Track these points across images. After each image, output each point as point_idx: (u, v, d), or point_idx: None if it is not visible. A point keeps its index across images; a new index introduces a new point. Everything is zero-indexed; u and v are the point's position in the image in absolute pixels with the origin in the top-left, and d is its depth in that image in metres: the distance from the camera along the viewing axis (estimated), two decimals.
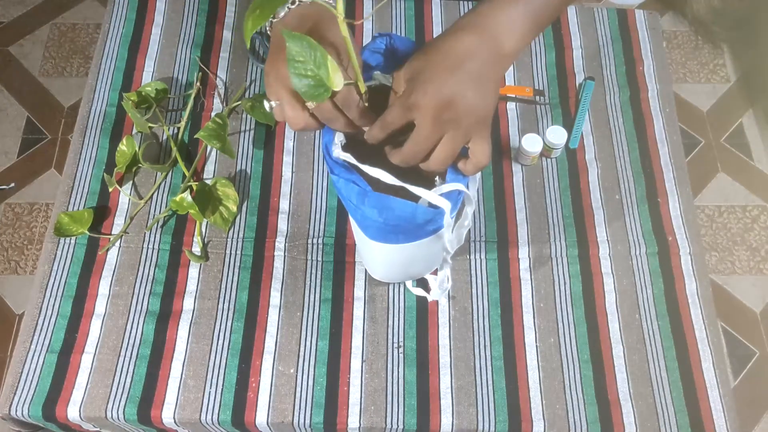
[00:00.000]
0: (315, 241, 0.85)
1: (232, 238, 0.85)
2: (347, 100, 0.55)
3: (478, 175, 0.62)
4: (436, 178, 0.62)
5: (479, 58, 0.52)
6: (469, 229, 0.85)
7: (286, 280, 0.82)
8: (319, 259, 0.84)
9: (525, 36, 0.54)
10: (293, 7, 0.56)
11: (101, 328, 0.80)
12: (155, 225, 0.86)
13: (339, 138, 0.58)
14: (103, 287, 0.82)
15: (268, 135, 0.92)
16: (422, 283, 0.82)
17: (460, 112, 0.52)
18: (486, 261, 0.84)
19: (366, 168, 0.57)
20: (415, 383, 0.77)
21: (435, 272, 0.80)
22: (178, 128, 0.92)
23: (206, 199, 0.84)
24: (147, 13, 1.02)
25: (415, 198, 0.58)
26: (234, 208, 0.85)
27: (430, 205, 0.58)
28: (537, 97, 0.95)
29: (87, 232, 0.84)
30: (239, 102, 0.93)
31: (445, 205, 0.57)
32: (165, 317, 0.80)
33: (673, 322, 0.81)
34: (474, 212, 0.86)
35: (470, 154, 0.57)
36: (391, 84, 0.59)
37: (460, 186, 0.58)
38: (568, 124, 0.93)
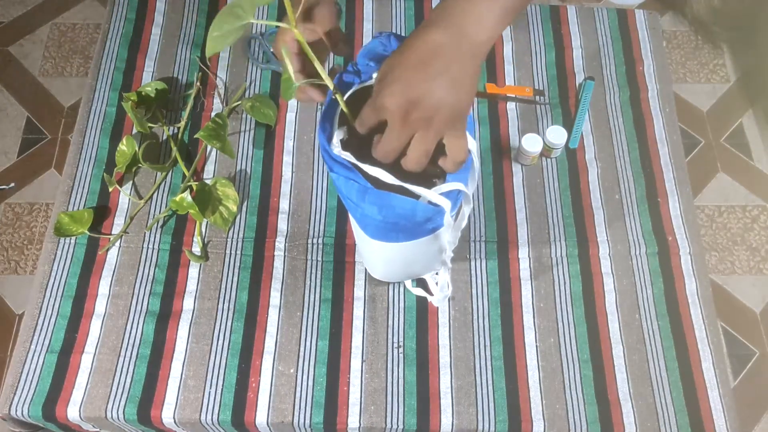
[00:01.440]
0: (315, 241, 0.85)
1: (232, 238, 0.85)
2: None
3: (477, 174, 0.62)
4: (435, 179, 0.62)
5: (448, 53, 0.52)
6: (469, 230, 0.85)
7: (286, 280, 0.82)
8: (319, 259, 0.84)
9: (496, 25, 0.53)
10: None
11: (101, 328, 0.80)
12: (155, 225, 0.86)
13: (338, 137, 0.58)
14: (103, 287, 0.82)
15: (268, 135, 0.92)
16: (422, 284, 0.82)
17: (429, 111, 0.52)
18: (486, 261, 0.84)
19: (366, 167, 0.57)
20: (415, 383, 0.77)
21: (437, 274, 0.80)
22: (178, 128, 0.92)
23: (206, 199, 0.84)
24: (147, 13, 1.02)
25: (415, 198, 0.58)
26: (234, 208, 0.85)
27: (430, 203, 0.58)
28: (537, 97, 0.95)
29: (87, 232, 0.84)
30: (239, 102, 0.93)
31: (446, 204, 0.57)
32: (165, 317, 0.80)
33: (673, 322, 0.81)
34: (474, 212, 0.86)
35: (447, 151, 0.56)
36: None
37: (459, 185, 0.58)
38: (568, 124, 0.93)
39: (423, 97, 0.51)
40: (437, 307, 0.81)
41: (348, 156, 0.57)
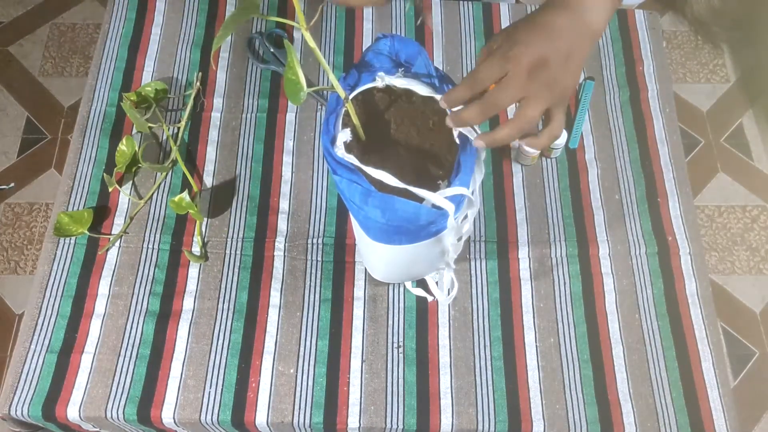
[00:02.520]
0: (315, 241, 0.85)
1: (232, 238, 0.85)
2: None
3: (480, 177, 0.62)
4: (439, 182, 0.62)
5: (571, 35, 0.56)
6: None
7: (286, 280, 0.82)
8: (319, 259, 0.84)
9: (609, 12, 0.58)
10: None
11: (101, 328, 0.80)
12: (155, 225, 0.86)
13: (342, 139, 0.58)
14: (103, 287, 0.82)
15: (268, 135, 0.92)
16: (422, 284, 0.82)
17: (552, 77, 0.55)
18: (486, 261, 0.84)
19: (369, 169, 0.57)
20: (415, 383, 0.77)
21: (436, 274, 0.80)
22: (178, 128, 0.92)
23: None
24: (147, 13, 1.02)
25: (418, 201, 0.58)
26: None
27: (433, 206, 0.58)
28: None
29: (87, 232, 0.84)
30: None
31: (449, 207, 0.57)
32: (165, 317, 0.80)
33: (673, 322, 0.81)
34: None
35: (548, 123, 0.59)
36: (392, 85, 0.60)
37: (463, 190, 0.58)
38: (568, 124, 0.93)
39: (551, 63, 0.55)
40: (437, 308, 0.81)
41: (351, 158, 0.57)
